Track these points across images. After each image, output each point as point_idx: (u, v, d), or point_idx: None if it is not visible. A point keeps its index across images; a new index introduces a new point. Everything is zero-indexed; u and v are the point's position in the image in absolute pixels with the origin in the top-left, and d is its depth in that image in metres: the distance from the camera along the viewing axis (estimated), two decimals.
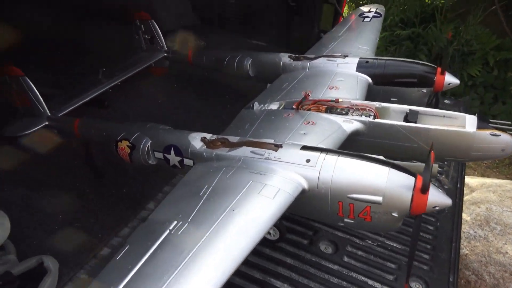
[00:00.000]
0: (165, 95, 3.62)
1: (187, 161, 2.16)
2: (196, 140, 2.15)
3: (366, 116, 2.34)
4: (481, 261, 3.66)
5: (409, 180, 1.70)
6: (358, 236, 2.39)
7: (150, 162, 2.30)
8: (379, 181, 1.70)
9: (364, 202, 1.72)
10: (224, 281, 1.33)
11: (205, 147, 2.13)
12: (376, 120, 2.29)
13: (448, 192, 2.78)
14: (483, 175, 5.86)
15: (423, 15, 7.08)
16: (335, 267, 2.20)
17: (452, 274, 2.20)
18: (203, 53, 3.54)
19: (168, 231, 1.55)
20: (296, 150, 1.92)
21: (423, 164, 2.35)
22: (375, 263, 2.23)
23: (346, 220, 1.82)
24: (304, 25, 4.36)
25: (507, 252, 3.65)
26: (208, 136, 2.19)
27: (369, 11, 3.90)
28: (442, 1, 7.10)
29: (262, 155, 1.94)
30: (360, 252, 2.30)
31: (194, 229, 1.53)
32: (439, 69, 2.69)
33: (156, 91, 3.65)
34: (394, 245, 2.36)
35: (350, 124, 2.30)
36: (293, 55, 3.19)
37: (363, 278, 2.15)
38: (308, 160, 1.84)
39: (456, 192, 2.80)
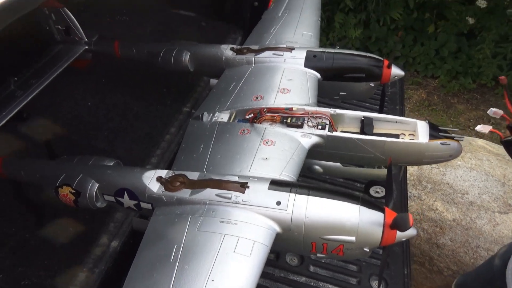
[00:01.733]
0: (94, 96, 3.21)
1: (145, 205, 2.00)
2: (152, 182, 1.97)
3: (322, 126, 2.31)
4: (416, 219, 4.08)
5: (378, 216, 1.74)
6: None
7: (98, 205, 2.09)
8: (351, 221, 1.73)
9: (337, 241, 1.75)
10: None
11: (163, 189, 1.96)
12: (334, 133, 2.27)
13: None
14: None
15: None
16: (302, 279, 2.29)
17: (406, 266, 2.41)
18: (133, 45, 3.14)
19: None
20: (264, 188, 1.85)
21: (385, 170, 2.47)
22: (338, 268, 2.36)
23: (319, 255, 1.85)
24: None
25: (437, 209, 4.09)
26: (164, 173, 2.02)
27: None
28: None
29: (229, 198, 1.84)
30: (323, 259, 2.40)
31: None
32: (386, 62, 2.69)
33: (83, 92, 3.21)
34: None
35: (309, 139, 2.26)
36: (235, 47, 2.97)
37: (330, 286, 2.27)
38: (278, 203, 1.79)
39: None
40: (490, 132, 2.26)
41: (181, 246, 1.70)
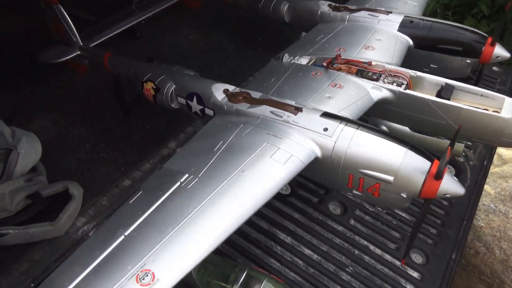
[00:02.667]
0: (197, 33, 3.55)
1: (208, 111, 2.19)
2: (218, 92, 2.16)
3: (398, 84, 2.24)
4: (495, 235, 3.65)
5: (424, 164, 1.66)
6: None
7: (173, 106, 2.35)
8: (393, 160, 1.68)
9: (374, 178, 1.72)
10: (223, 240, 1.42)
11: (226, 99, 2.13)
12: (407, 91, 2.18)
13: (472, 168, 2.70)
14: None
15: None
16: (340, 228, 2.27)
17: (456, 251, 2.23)
18: None
19: (179, 183, 1.63)
20: (315, 116, 1.90)
21: (462, 145, 2.30)
22: (380, 230, 2.28)
23: (354, 191, 1.84)
24: None
25: None
26: (231, 88, 2.19)
27: None
28: None
29: (281, 117, 1.93)
30: (367, 217, 2.34)
31: (203, 185, 1.60)
32: (489, 39, 2.47)
33: (188, 28, 3.57)
34: (403, 215, 2.38)
35: (379, 91, 2.21)
36: (333, 4, 3.00)
37: (365, 243, 2.22)
38: (325, 129, 1.82)
39: (481, 169, 2.71)
40: None
41: (225, 143, 1.84)
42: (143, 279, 1.26)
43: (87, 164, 2.45)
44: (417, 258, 2.20)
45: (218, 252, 2.07)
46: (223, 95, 2.15)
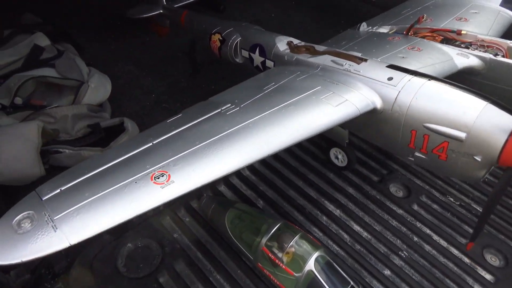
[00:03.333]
0: (279, 11, 3.52)
1: (269, 63, 2.10)
2: (282, 43, 2.06)
3: (490, 53, 1.91)
4: None
5: (508, 121, 1.36)
6: (440, 189, 2.08)
7: (237, 60, 2.31)
8: (468, 114, 1.40)
9: (442, 135, 1.45)
10: (247, 163, 1.30)
11: (288, 50, 2.02)
12: (501, 58, 1.85)
13: None
14: None
15: None
16: (400, 211, 1.98)
17: None
18: None
19: (219, 110, 1.55)
20: (381, 66, 1.69)
21: None
22: (449, 222, 1.93)
23: (416, 154, 1.57)
24: None
25: None
26: (296, 41, 2.08)
27: None
28: None
29: (342, 65, 1.76)
30: (435, 206, 2.01)
31: (243, 113, 1.50)
32: None
33: (271, 5, 3.57)
34: (481, 210, 2.00)
35: (465, 58, 1.91)
36: None
37: (428, 231, 1.90)
38: (390, 78, 1.61)
39: None
40: None
41: (277, 85, 1.73)
42: (158, 178, 1.19)
43: (148, 110, 2.52)
44: (493, 260, 1.81)
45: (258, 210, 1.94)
46: (286, 46, 2.05)
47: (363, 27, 2.42)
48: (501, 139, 1.34)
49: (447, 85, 1.52)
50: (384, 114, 1.60)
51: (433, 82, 1.54)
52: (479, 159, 1.41)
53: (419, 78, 1.57)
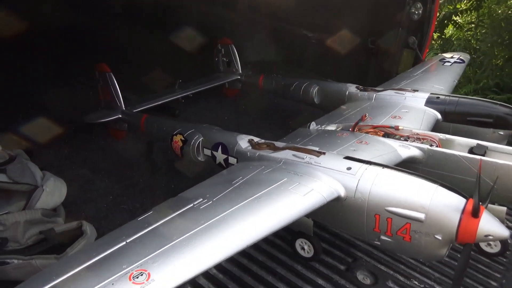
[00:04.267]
0: (232, 115, 3.78)
1: (231, 160, 2.19)
2: (243, 141, 2.19)
3: (426, 144, 2.18)
4: None
5: (458, 200, 1.52)
6: (404, 274, 2.14)
7: (199, 158, 2.38)
8: (423, 197, 1.55)
9: (403, 217, 1.57)
10: (227, 256, 1.28)
11: (250, 147, 2.15)
12: (437, 148, 2.12)
13: None
14: None
15: None
16: None
17: None
18: (273, 78, 3.68)
19: (191, 205, 1.56)
20: (338, 158, 1.85)
21: (504, 208, 2.11)
22: None
23: (382, 237, 1.66)
24: (382, 68, 4.31)
25: None
26: (256, 139, 2.22)
27: (452, 57, 3.75)
28: None
29: (303, 158, 1.90)
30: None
31: (216, 207, 1.53)
32: None
33: (224, 110, 3.83)
34: None
35: (407, 149, 2.15)
36: (360, 86, 3.16)
37: None
38: (349, 168, 1.76)
39: None
40: None
41: (244, 178, 1.80)
42: (137, 277, 1.13)
43: (105, 212, 2.43)
44: None
45: None
46: (248, 144, 2.18)
47: (313, 125, 2.66)
48: (456, 218, 1.49)
49: (399, 171, 1.69)
50: (348, 201, 1.70)
51: (386, 169, 1.70)
52: (440, 238, 1.52)
53: (374, 166, 1.73)
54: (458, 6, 6.95)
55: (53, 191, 2.23)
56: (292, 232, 2.16)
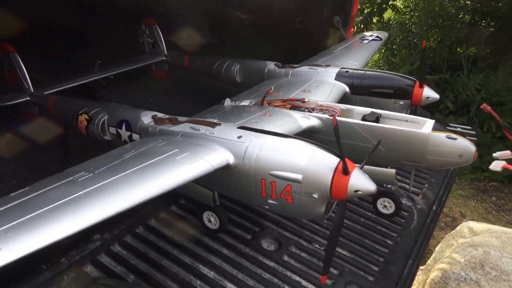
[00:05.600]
0: (156, 96, 3.73)
1: (135, 136, 2.18)
2: (146, 117, 2.18)
3: (327, 115, 2.28)
4: None
5: (332, 160, 1.60)
6: (307, 238, 2.24)
7: (105, 137, 2.34)
8: (301, 159, 1.62)
9: (284, 180, 1.64)
10: (93, 222, 1.28)
11: (153, 123, 2.14)
12: (330, 116, 2.21)
13: (420, 212, 2.57)
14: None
15: (451, 63, 6.85)
16: (271, 264, 2.06)
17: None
18: (197, 59, 3.66)
19: (71, 178, 1.54)
20: (232, 128, 1.89)
21: (393, 170, 2.24)
22: (316, 267, 2.06)
23: (269, 201, 1.73)
24: (310, 47, 4.40)
25: None
26: (160, 115, 2.22)
27: (371, 36, 3.90)
28: (474, 51, 6.88)
29: (199, 130, 1.92)
30: (303, 254, 2.14)
31: (96, 178, 1.52)
32: (417, 82, 2.59)
33: (149, 91, 3.78)
34: (344, 252, 2.18)
35: (307, 119, 2.23)
36: (279, 63, 3.22)
37: (297, 278, 1.99)
38: (239, 137, 1.80)
39: (429, 213, 2.58)
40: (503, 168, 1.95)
41: (136, 151, 1.80)
42: None
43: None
44: None
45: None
46: (151, 119, 2.17)
47: (227, 102, 2.68)
48: (329, 176, 1.57)
49: (285, 138, 1.75)
50: (237, 168, 1.75)
51: (272, 137, 1.76)
52: (316, 196, 1.60)
53: (263, 134, 1.79)
54: None
55: None
56: (199, 205, 2.19)
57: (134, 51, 3.90)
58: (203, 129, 1.92)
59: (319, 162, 1.60)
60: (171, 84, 3.97)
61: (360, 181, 1.56)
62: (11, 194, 1.46)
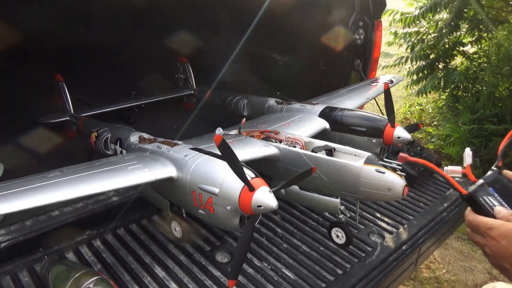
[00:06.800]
0: (180, 124, 4.26)
1: (123, 151, 2.65)
2: (134, 136, 2.64)
3: (289, 146, 2.52)
4: None
5: (239, 183, 1.85)
6: (260, 257, 2.44)
7: (107, 152, 2.85)
8: (219, 175, 1.91)
9: (207, 192, 1.93)
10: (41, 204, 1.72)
11: (137, 141, 2.59)
12: (288, 147, 2.45)
13: (383, 249, 2.60)
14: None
15: None
16: (217, 273, 2.30)
17: None
18: (215, 94, 4.14)
19: (45, 174, 2.02)
20: (185, 148, 2.25)
21: (338, 200, 2.37)
22: (257, 282, 2.25)
23: (200, 211, 2.02)
24: (330, 87, 4.63)
25: None
26: (146, 136, 2.66)
27: (384, 79, 4.02)
28: None
29: (161, 149, 2.31)
30: (250, 270, 2.34)
31: (61, 176, 1.97)
32: (388, 123, 2.70)
33: (175, 120, 4.31)
34: (289, 274, 2.33)
35: (268, 148, 2.50)
36: (279, 100, 3.53)
37: None
38: (185, 155, 2.15)
39: (394, 252, 2.59)
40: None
41: (106, 162, 2.24)
42: None
43: None
44: None
45: None
46: (137, 139, 2.62)
47: (219, 130, 3.04)
48: (238, 190, 1.83)
49: (216, 157, 2.05)
50: (178, 181, 2.09)
51: (208, 156, 2.07)
52: (229, 209, 1.86)
53: (202, 154, 2.11)
54: (461, 38, 7.03)
55: None
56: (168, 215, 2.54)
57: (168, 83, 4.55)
58: (164, 147, 2.30)
59: (232, 179, 1.87)
60: (196, 115, 4.48)
61: (262, 198, 1.79)
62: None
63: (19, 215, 2.61)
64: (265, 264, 2.40)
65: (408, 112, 8.62)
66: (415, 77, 7.52)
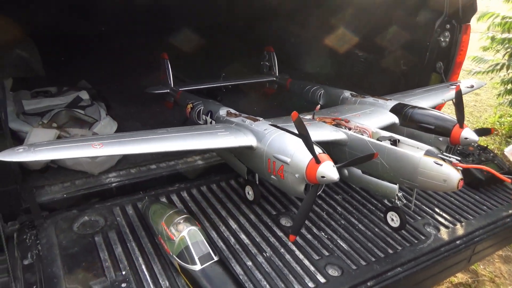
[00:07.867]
0: (260, 107, 4.68)
1: (213, 122, 3.13)
2: (223, 110, 3.10)
3: (357, 133, 2.79)
4: None
5: (308, 154, 2.19)
6: (319, 227, 2.77)
7: (199, 121, 3.37)
8: (292, 147, 2.27)
9: (280, 161, 2.30)
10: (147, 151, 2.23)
11: (225, 115, 3.05)
12: (354, 133, 2.72)
13: (436, 239, 2.76)
14: None
15: None
16: (280, 234, 2.68)
17: None
18: (295, 82, 4.48)
19: (156, 130, 2.54)
20: (265, 124, 2.64)
21: (396, 186, 2.60)
22: (313, 246, 2.59)
23: (272, 177, 2.40)
24: (408, 87, 4.71)
25: None
26: (233, 111, 3.11)
27: (466, 83, 4.03)
28: None
29: (245, 122, 2.73)
30: (309, 236, 2.68)
31: (166, 133, 2.48)
32: (457, 124, 2.82)
33: (255, 104, 4.73)
34: (343, 245, 2.61)
35: (337, 133, 2.80)
36: (354, 93, 3.77)
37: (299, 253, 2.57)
38: (265, 129, 2.54)
39: (447, 244, 2.74)
40: None
41: (200, 127, 2.72)
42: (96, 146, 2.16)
43: None
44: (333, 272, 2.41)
45: None
46: (225, 113, 3.08)
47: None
48: (306, 161, 2.18)
49: (289, 134, 2.39)
50: (256, 150, 2.49)
51: (284, 133, 2.43)
52: (297, 176, 2.22)
53: (280, 130, 2.48)
54: None
55: (106, 126, 3.46)
56: (244, 180, 2.98)
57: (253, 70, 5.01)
58: (247, 121, 2.72)
59: (302, 151, 2.22)
60: (274, 100, 4.88)
61: (326, 170, 2.11)
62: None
63: (127, 164, 3.25)
64: (323, 233, 2.73)
65: (497, 123, 8.17)
66: (510, 86, 7.13)
